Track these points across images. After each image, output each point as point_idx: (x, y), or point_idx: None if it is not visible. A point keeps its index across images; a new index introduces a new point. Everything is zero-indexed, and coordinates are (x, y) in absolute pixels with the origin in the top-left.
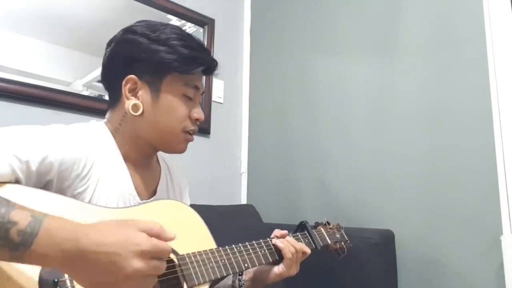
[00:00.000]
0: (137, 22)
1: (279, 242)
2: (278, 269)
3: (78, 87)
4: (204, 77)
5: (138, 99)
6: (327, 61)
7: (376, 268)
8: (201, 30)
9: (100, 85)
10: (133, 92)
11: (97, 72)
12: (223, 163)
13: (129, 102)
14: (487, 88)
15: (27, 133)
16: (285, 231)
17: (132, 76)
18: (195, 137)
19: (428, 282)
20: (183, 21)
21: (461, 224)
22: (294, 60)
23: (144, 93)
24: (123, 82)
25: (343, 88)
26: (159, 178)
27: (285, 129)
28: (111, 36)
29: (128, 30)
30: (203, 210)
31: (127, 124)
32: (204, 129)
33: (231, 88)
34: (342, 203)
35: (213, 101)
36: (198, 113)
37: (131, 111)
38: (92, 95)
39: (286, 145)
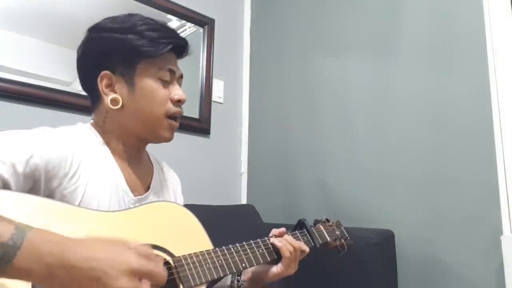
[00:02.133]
0: (102, 19)
1: (277, 241)
2: (276, 268)
3: (78, 87)
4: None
5: (116, 93)
6: (327, 61)
7: (376, 268)
8: (201, 30)
9: None
10: (110, 87)
11: None
12: (223, 163)
13: (107, 98)
14: (487, 88)
15: (11, 137)
16: (283, 229)
17: (105, 71)
18: (195, 137)
19: (428, 282)
20: (183, 21)
21: (461, 224)
22: (294, 60)
23: (120, 85)
24: (98, 80)
25: (343, 88)
26: (152, 174)
27: (285, 129)
28: None
29: (91, 29)
30: (203, 210)
31: (111, 120)
32: (204, 129)
33: (231, 88)
34: (342, 203)
35: (213, 101)
36: (178, 94)
37: (110, 106)
38: None
39: (286, 145)
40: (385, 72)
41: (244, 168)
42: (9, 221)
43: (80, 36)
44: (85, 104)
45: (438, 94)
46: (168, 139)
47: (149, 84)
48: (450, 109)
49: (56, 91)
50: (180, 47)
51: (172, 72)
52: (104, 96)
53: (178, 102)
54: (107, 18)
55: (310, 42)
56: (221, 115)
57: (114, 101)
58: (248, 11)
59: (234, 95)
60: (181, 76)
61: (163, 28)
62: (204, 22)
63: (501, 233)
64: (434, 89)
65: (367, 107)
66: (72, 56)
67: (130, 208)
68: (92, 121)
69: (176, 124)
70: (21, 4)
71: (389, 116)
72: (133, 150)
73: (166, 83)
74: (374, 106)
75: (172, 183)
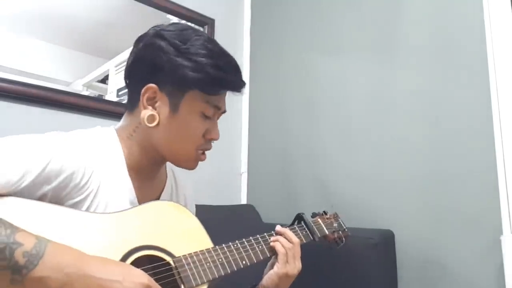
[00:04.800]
0: (169, 25)
1: (272, 242)
2: (275, 268)
3: (78, 87)
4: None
5: (156, 110)
6: (327, 60)
7: (376, 268)
8: (201, 30)
9: (100, 85)
10: (152, 101)
11: (97, 72)
12: (223, 163)
13: (145, 112)
14: (487, 88)
15: (25, 144)
16: (278, 228)
17: (152, 85)
18: None
19: (428, 282)
20: (183, 21)
21: (461, 224)
22: (294, 60)
23: (162, 104)
24: (143, 91)
25: (343, 88)
26: (164, 187)
27: (285, 129)
28: (111, 36)
29: (158, 34)
30: (203, 210)
31: (141, 133)
32: None
33: None
34: (342, 203)
35: None
36: (214, 133)
37: (146, 122)
38: (92, 95)
39: (286, 145)
40: (384, 72)
41: (244, 168)
42: (29, 233)
43: (80, 36)
44: (86, 104)
45: (437, 94)
46: (191, 169)
47: (191, 116)
48: (450, 109)
49: (56, 91)
50: (234, 90)
51: (217, 108)
52: (142, 109)
53: (211, 140)
54: (173, 26)
55: (310, 42)
56: (221, 115)
57: (151, 118)
58: (248, 11)
59: (234, 95)
60: (223, 112)
61: (227, 67)
62: (204, 22)
63: (501, 233)
64: (433, 89)
65: (368, 107)
66: (72, 56)
67: (128, 208)
68: (118, 125)
69: (203, 157)
70: (21, 4)
71: (388, 116)
72: (154, 163)
73: (206, 118)
74: (374, 106)
75: (185, 196)
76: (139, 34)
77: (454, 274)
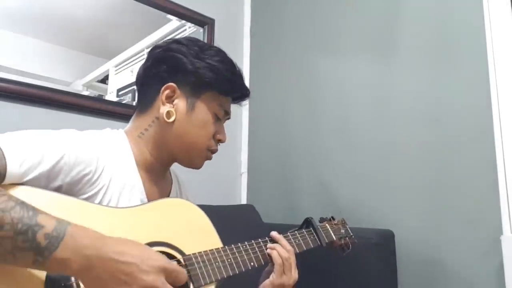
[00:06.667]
0: (182, 38)
1: (269, 248)
2: (271, 277)
3: (78, 87)
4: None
5: (173, 107)
6: (327, 61)
7: (376, 268)
8: (201, 30)
9: (100, 85)
10: (170, 99)
11: (97, 72)
12: (223, 163)
13: (165, 108)
14: (487, 88)
15: (40, 137)
16: (275, 235)
17: (172, 84)
18: None
19: (428, 282)
20: (183, 21)
21: (461, 224)
22: (294, 60)
23: (180, 102)
24: (163, 88)
25: (343, 88)
26: (170, 189)
27: (285, 129)
28: (111, 36)
29: (177, 41)
30: (203, 210)
31: (155, 129)
32: None
33: None
34: (342, 203)
35: None
36: (223, 135)
37: (164, 117)
38: (92, 95)
39: (286, 145)
40: (384, 72)
41: (244, 168)
42: (49, 215)
43: (80, 36)
44: (86, 104)
45: (438, 94)
46: (199, 167)
47: (206, 115)
48: (450, 109)
49: (56, 91)
50: (242, 96)
51: (226, 113)
52: (161, 105)
53: (219, 141)
54: (186, 38)
55: (310, 42)
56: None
57: (168, 114)
58: (248, 11)
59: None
60: (228, 118)
61: (238, 73)
62: (204, 22)
63: (501, 233)
64: (434, 89)
65: (367, 107)
66: (72, 56)
67: (141, 204)
68: (127, 127)
69: (211, 157)
70: (21, 4)
71: (389, 116)
72: (160, 164)
73: (217, 120)
74: (374, 106)
75: (187, 197)
76: (139, 34)
77: (454, 274)
